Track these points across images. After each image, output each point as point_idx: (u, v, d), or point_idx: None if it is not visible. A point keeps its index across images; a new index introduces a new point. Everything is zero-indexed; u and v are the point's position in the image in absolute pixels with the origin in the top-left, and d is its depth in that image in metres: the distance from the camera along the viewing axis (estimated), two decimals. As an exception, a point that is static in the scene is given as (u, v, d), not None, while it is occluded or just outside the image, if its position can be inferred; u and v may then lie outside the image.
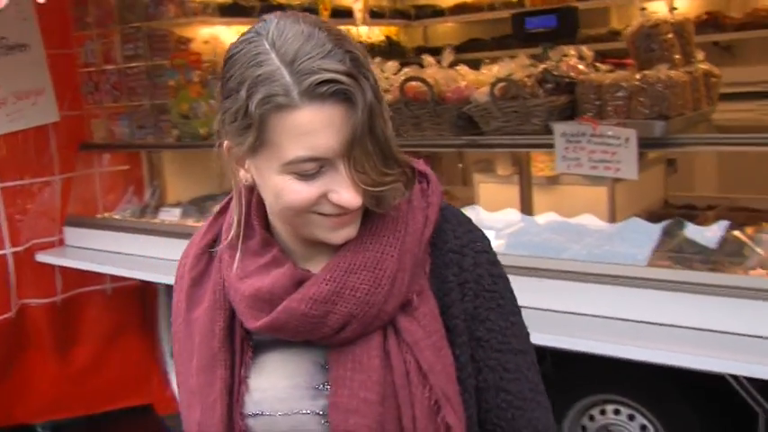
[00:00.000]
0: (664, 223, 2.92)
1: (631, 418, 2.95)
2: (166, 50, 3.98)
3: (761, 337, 2.28)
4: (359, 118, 0.99)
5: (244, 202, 1.18)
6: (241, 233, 1.16)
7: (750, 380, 2.49)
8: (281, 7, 5.18)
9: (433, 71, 3.02)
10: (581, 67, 2.75)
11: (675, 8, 2.68)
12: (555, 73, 2.71)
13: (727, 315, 2.36)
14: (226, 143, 1.08)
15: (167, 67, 3.91)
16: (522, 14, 3.39)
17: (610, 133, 2.42)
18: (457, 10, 6.21)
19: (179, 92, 3.80)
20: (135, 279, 4.09)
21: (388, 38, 6.44)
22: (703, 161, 4.50)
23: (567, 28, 3.21)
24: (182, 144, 3.90)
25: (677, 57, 2.59)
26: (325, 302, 1.06)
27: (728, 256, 2.76)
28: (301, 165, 1.01)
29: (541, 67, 2.80)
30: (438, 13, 6.31)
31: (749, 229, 2.97)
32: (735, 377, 2.52)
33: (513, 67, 2.84)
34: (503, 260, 1.21)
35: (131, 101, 4.16)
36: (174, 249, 3.69)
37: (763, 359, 2.26)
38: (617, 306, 2.53)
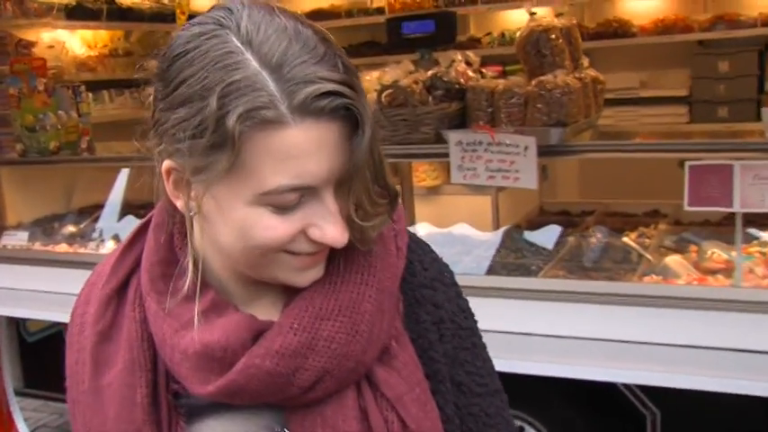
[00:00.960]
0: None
1: (521, 430, 2.89)
2: (5, 54, 3.57)
3: (650, 343, 2.25)
4: (364, 140, 0.81)
5: (164, 234, 0.96)
6: (209, 279, 0.94)
7: (638, 384, 2.48)
8: (129, 10, 4.84)
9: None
10: (470, 73, 2.65)
11: (561, 13, 2.63)
12: (445, 79, 2.59)
13: (618, 323, 2.33)
14: (167, 164, 0.85)
15: (7, 74, 3.49)
16: (398, 19, 3.26)
17: (508, 141, 2.33)
18: (313, 16, 6.05)
19: (22, 102, 3.41)
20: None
21: (242, 45, 6.19)
22: (564, 167, 4.58)
23: (445, 33, 3.12)
24: (27, 160, 3.50)
25: (567, 62, 2.54)
26: (295, 357, 0.86)
27: (617, 263, 2.76)
28: (282, 196, 0.82)
29: (429, 73, 2.69)
30: (294, 19, 6.14)
31: (632, 235, 2.99)
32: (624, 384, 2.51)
33: (399, 73, 2.71)
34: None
35: (-39, 111, 3.70)
36: (21, 276, 3.34)
37: (651, 366, 2.25)
38: (510, 319, 2.45)
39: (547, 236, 2.94)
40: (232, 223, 0.85)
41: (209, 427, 0.94)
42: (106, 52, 4.90)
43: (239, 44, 0.80)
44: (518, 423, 2.87)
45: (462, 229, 3.09)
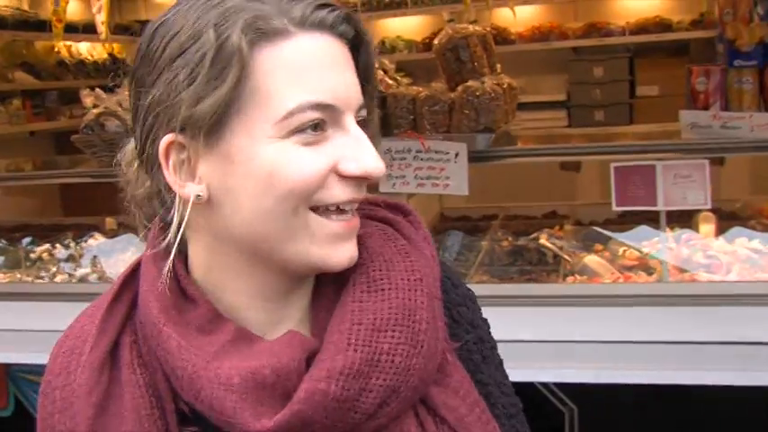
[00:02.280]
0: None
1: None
2: None
3: (568, 341, 2.29)
4: (370, 54, 0.81)
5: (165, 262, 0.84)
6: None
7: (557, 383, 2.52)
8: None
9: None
10: (388, 80, 2.63)
11: (475, 20, 2.65)
12: (365, 87, 2.55)
13: (536, 324, 2.36)
14: (166, 140, 0.78)
15: None
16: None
17: (438, 149, 2.32)
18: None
19: None
20: None
21: (111, 55, 5.91)
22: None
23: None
24: None
25: (486, 69, 2.57)
26: (359, 377, 0.76)
27: (535, 265, 2.80)
28: (305, 115, 0.75)
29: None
30: (166, 28, 5.92)
31: (543, 237, 3.05)
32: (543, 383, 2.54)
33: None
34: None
35: None
36: None
37: (570, 363, 2.29)
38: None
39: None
40: (257, 174, 0.76)
41: None
42: (-36, 63, 4.56)
43: None
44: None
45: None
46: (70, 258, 3.17)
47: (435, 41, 2.59)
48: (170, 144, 0.78)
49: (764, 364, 2.09)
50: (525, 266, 2.77)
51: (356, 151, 0.78)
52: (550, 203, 3.57)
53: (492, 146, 2.48)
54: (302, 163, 0.76)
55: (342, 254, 0.80)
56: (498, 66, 2.75)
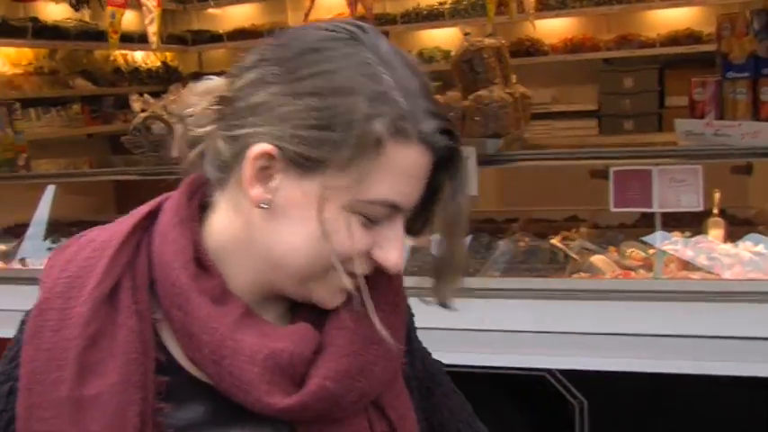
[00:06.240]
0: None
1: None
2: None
3: (575, 333, 2.47)
4: (465, 183, 0.89)
5: (192, 231, 0.91)
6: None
7: (565, 374, 2.68)
8: (54, 28, 4.84)
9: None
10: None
11: (491, 33, 2.85)
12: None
13: (550, 317, 2.53)
14: (264, 148, 0.83)
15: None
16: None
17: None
18: (235, 35, 6.15)
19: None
20: None
21: (164, 63, 6.23)
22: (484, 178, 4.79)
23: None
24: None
25: (498, 79, 2.75)
26: (350, 379, 0.88)
27: (546, 263, 2.98)
28: (380, 209, 0.85)
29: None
30: (216, 38, 6.22)
31: (557, 238, 3.22)
32: (552, 374, 2.70)
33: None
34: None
35: None
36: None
37: (575, 352, 2.47)
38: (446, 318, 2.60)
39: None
40: (315, 224, 0.84)
41: None
42: (31, 70, 4.90)
43: (372, 57, 0.84)
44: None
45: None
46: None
47: (452, 53, 2.78)
48: (265, 153, 0.83)
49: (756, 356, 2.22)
50: (536, 265, 2.95)
51: (389, 245, 0.87)
52: (572, 208, 3.73)
53: (502, 150, 2.66)
54: (355, 237, 0.85)
55: (337, 300, 0.90)
56: (513, 76, 2.93)
